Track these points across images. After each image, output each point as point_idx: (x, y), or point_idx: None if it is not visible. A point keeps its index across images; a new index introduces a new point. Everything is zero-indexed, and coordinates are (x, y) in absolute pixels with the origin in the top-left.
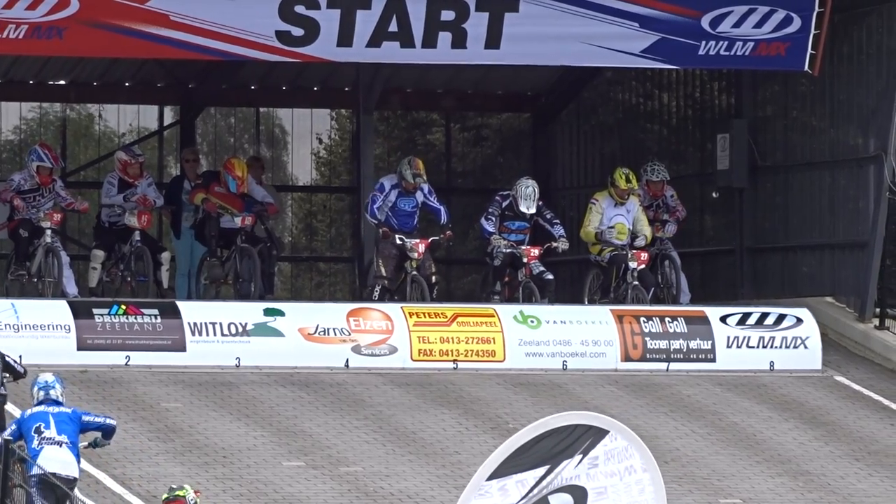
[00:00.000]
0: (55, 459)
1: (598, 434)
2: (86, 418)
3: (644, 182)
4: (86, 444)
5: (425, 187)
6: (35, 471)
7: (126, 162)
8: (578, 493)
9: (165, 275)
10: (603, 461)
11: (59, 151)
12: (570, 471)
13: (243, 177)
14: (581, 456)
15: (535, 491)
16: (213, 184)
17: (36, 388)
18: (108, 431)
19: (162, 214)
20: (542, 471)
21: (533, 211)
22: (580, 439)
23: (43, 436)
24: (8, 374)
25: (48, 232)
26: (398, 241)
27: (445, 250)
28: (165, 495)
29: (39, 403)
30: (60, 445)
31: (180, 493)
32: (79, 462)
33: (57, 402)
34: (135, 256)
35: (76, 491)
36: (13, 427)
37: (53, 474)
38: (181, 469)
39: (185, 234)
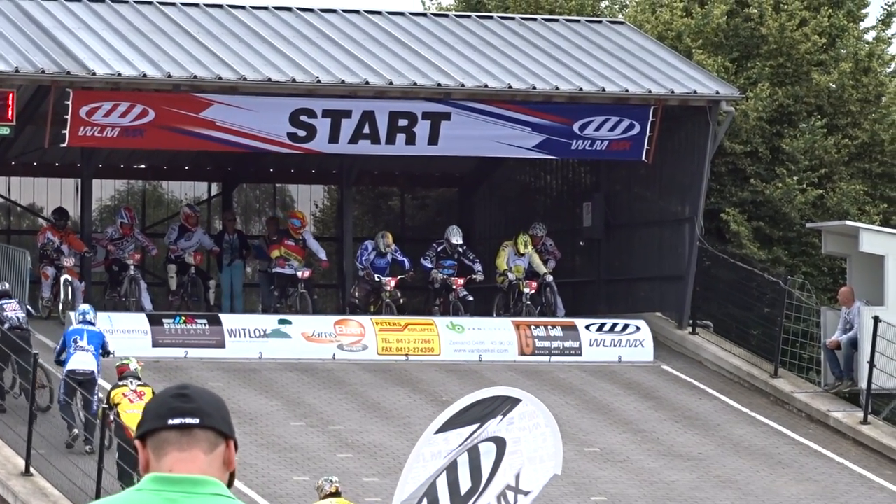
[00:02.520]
0: (82, 361)
1: (514, 402)
2: (105, 340)
3: (531, 235)
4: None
5: (393, 249)
6: (67, 367)
7: (188, 214)
8: (500, 442)
9: (212, 296)
10: (517, 420)
11: (140, 213)
12: (494, 427)
13: (304, 218)
14: (502, 416)
15: (469, 440)
16: (285, 239)
17: (77, 314)
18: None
19: (210, 255)
20: (474, 427)
21: (460, 241)
22: (501, 405)
23: (78, 344)
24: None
25: (131, 267)
26: (376, 280)
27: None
28: (117, 363)
29: (79, 324)
30: (86, 352)
31: (126, 361)
32: (98, 364)
33: (90, 323)
34: (191, 283)
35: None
36: (62, 339)
37: (75, 370)
38: None
39: (224, 269)
